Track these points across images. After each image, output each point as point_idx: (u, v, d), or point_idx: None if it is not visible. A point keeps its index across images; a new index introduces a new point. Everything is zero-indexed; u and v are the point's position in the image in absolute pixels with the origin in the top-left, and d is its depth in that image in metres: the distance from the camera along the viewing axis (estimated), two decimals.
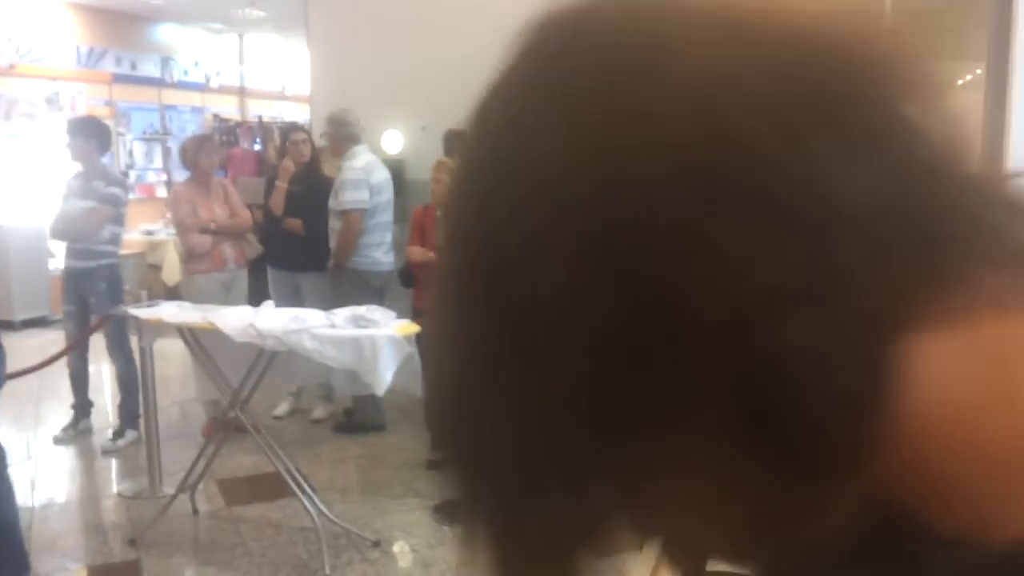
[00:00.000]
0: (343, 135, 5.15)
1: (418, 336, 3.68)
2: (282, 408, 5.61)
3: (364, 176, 5.01)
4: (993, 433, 0.33)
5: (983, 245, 0.34)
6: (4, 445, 3.32)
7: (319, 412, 5.57)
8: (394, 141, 6.61)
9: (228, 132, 9.89)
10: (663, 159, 0.32)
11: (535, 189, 0.34)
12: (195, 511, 4.14)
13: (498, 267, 0.35)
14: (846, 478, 0.33)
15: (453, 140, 5.65)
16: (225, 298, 4.91)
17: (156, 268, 8.56)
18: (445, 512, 4.13)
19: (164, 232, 8.59)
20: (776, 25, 0.35)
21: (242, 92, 12.08)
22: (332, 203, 5.06)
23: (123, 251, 5.51)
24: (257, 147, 9.05)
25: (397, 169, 5.99)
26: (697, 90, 0.33)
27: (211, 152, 5.29)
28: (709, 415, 0.33)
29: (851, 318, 0.32)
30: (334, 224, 5.06)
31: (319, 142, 5.50)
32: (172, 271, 8.57)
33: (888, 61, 0.36)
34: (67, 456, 5.10)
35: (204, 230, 5.06)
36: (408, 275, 4.78)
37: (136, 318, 4.10)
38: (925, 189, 0.34)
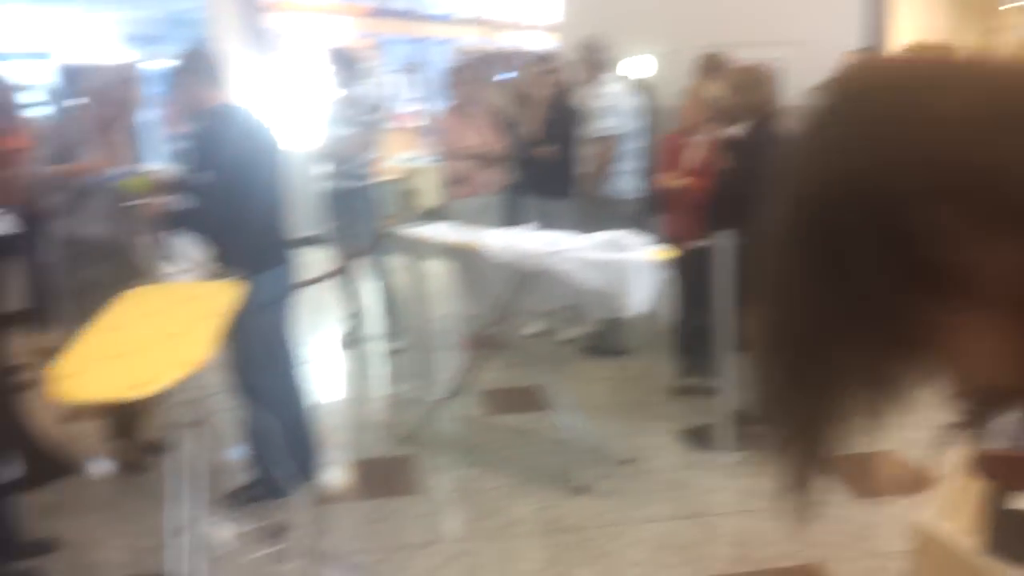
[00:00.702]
0: (595, 62, 5.19)
1: (671, 261, 3.70)
2: (533, 328, 5.84)
3: (617, 102, 5.03)
4: None
5: None
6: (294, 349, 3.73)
7: (568, 333, 5.76)
8: (644, 67, 6.55)
9: (476, 63, 10.15)
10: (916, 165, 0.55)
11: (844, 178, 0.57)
12: (460, 416, 4.45)
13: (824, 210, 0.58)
14: None
15: (705, 63, 5.52)
16: (482, 222, 5.14)
17: (413, 193, 9.06)
18: (695, 437, 4.18)
19: (420, 159, 9.03)
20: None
21: (488, 23, 12.34)
22: (585, 130, 5.13)
23: (382, 177, 5.93)
24: (507, 77, 9.25)
25: (647, 95, 5.94)
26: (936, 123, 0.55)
27: (470, 81, 5.49)
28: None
29: None
30: (586, 151, 5.13)
31: (569, 70, 5.57)
32: (428, 196, 9.04)
33: None
34: (344, 360, 5.62)
35: (465, 156, 5.30)
36: (657, 202, 4.77)
37: (406, 237, 4.39)
38: None
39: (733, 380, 4.05)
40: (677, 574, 3.05)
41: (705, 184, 4.32)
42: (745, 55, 5.15)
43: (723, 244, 3.88)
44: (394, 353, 5.61)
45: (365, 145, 5.44)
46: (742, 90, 4.27)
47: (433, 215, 6.20)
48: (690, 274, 4.12)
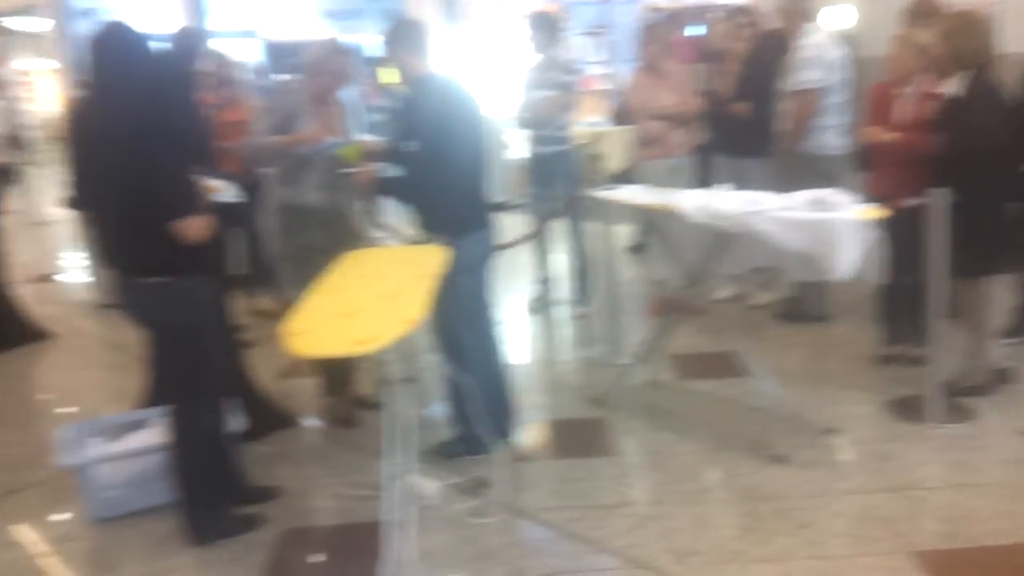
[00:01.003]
0: (797, 11, 4.95)
1: (879, 222, 3.49)
2: (723, 292, 5.72)
3: (819, 53, 4.77)
4: None
5: None
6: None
7: (760, 299, 5.60)
8: (846, 15, 6.21)
9: (666, 21, 9.94)
10: None
11: None
12: (649, 381, 4.44)
13: None
14: None
15: (916, 9, 5.15)
16: (672, 184, 5.04)
17: (598, 157, 9.04)
18: (901, 408, 3.97)
19: (605, 123, 8.98)
20: None
21: None
22: (785, 84, 4.91)
23: (576, 141, 5.97)
24: (696, 33, 9.02)
25: (850, 45, 5.62)
26: None
27: (660, 39, 5.37)
28: None
29: None
30: (785, 106, 4.92)
31: (766, 22, 5.36)
32: (613, 160, 8.99)
33: None
34: (533, 323, 5.73)
35: (657, 116, 5.21)
36: (863, 158, 4.51)
37: (598, 201, 4.39)
38: None
39: (944, 348, 3.82)
40: (882, 548, 2.92)
41: (917, 139, 4.06)
42: (960, 0, 4.77)
43: (937, 203, 3.63)
44: (583, 317, 5.65)
45: (564, 108, 5.44)
46: (955, 37, 3.95)
47: (620, 179, 6.17)
48: (899, 235, 3.88)
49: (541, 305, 5.89)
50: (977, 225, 3.73)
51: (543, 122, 5.43)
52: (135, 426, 3.60)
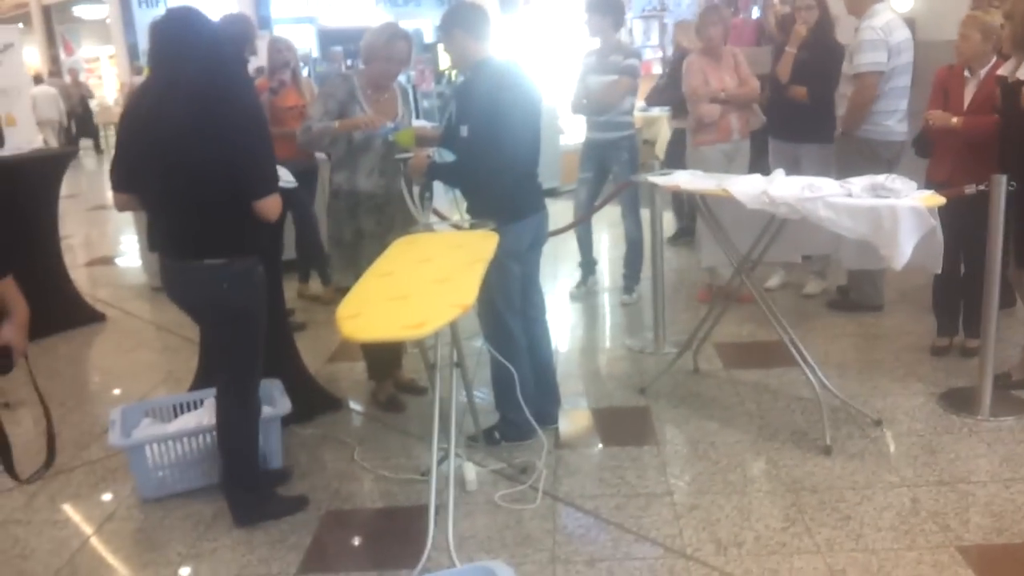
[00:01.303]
0: None
1: (939, 209, 3.39)
2: (774, 280, 5.64)
3: (883, 36, 4.63)
4: None
5: None
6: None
7: (812, 287, 5.51)
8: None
9: (728, 2, 9.78)
10: None
11: None
12: (696, 369, 4.40)
13: None
14: None
15: None
16: (727, 169, 4.96)
17: (650, 143, 8.97)
18: (952, 400, 3.88)
19: (658, 109, 8.87)
20: None
21: None
22: (846, 67, 4.79)
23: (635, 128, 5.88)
24: (756, 16, 8.86)
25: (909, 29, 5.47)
26: None
27: (720, 22, 5.26)
28: None
29: None
30: (845, 90, 4.80)
31: (827, 3, 5.24)
32: (664, 145, 8.90)
33: None
34: (576, 310, 5.72)
35: (714, 99, 5.13)
36: (924, 143, 4.39)
37: (649, 187, 4.35)
38: None
39: (998, 340, 3.72)
40: (928, 542, 2.86)
41: (980, 124, 3.94)
42: None
43: (996, 190, 3.52)
44: (629, 304, 5.62)
45: (628, 93, 5.37)
46: (1016, 19, 3.82)
47: (668, 164, 6.10)
48: (958, 223, 3.78)
49: (583, 292, 5.87)
50: None
51: (605, 107, 5.36)
52: (185, 408, 3.67)
